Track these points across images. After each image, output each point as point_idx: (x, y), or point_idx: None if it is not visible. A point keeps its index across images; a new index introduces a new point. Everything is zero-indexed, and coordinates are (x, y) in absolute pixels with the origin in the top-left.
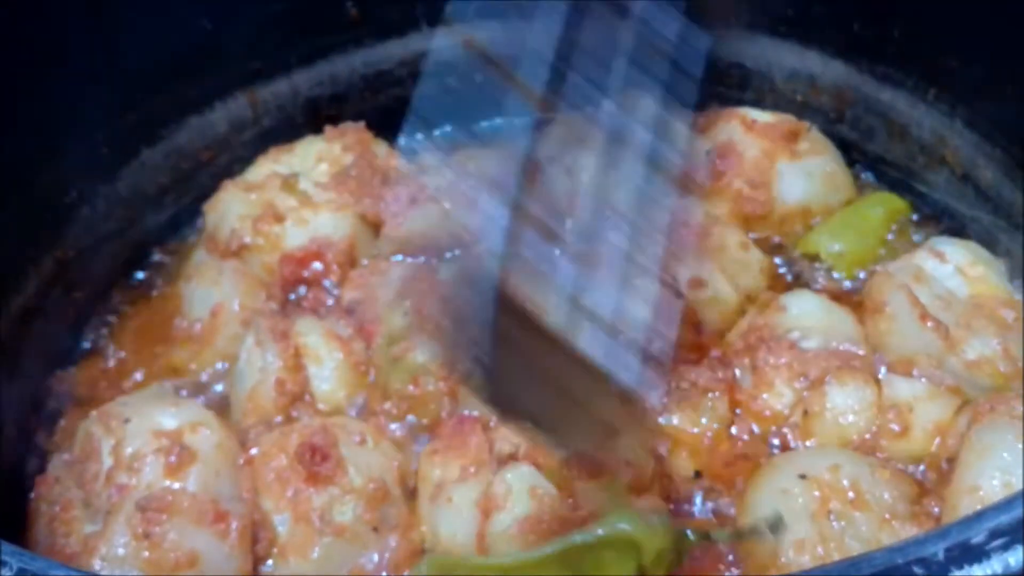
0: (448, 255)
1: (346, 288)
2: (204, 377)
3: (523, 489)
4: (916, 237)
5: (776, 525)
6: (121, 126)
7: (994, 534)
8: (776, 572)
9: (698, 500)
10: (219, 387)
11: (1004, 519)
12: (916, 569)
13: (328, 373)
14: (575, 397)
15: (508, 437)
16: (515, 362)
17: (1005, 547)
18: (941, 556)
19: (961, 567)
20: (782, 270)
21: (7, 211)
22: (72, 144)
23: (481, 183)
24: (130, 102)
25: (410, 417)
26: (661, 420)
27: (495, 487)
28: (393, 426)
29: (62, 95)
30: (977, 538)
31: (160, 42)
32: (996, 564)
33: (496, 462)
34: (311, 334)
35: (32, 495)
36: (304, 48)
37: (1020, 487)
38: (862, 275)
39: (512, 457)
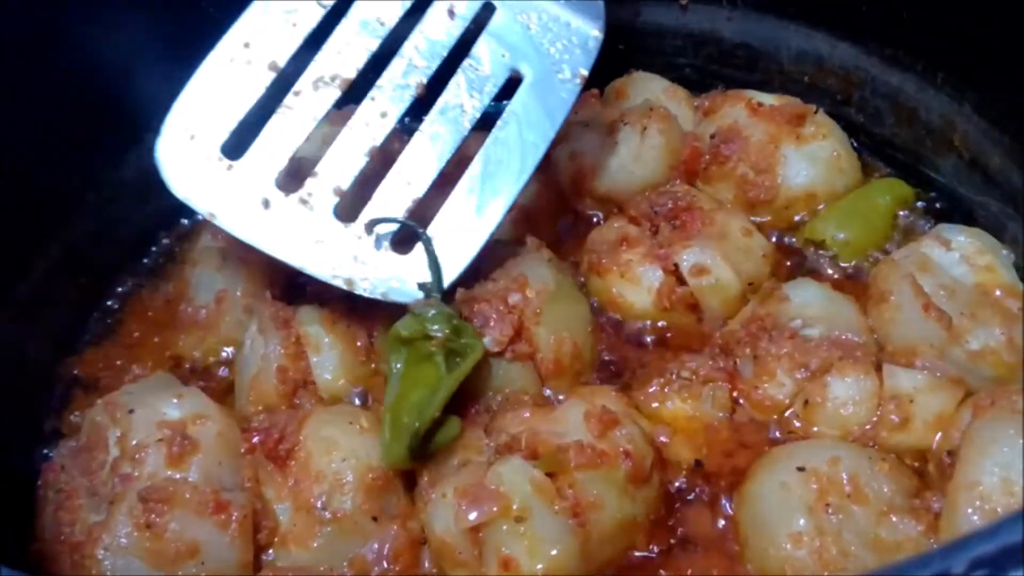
0: None
1: None
2: (209, 363)
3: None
4: (923, 223)
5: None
6: (125, 111)
7: (975, 564)
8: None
9: (696, 489)
10: (223, 373)
11: (987, 548)
12: None
13: (329, 362)
14: None
15: (506, 428)
16: None
17: None
18: None
19: None
20: (786, 256)
21: (13, 198)
22: (76, 130)
23: None
24: (133, 86)
25: None
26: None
27: (488, 480)
28: None
29: (65, 82)
30: (957, 569)
31: (162, 27)
32: None
33: (493, 453)
34: (312, 323)
35: (39, 482)
36: None
37: (1020, 483)
38: (867, 262)
39: (509, 449)
